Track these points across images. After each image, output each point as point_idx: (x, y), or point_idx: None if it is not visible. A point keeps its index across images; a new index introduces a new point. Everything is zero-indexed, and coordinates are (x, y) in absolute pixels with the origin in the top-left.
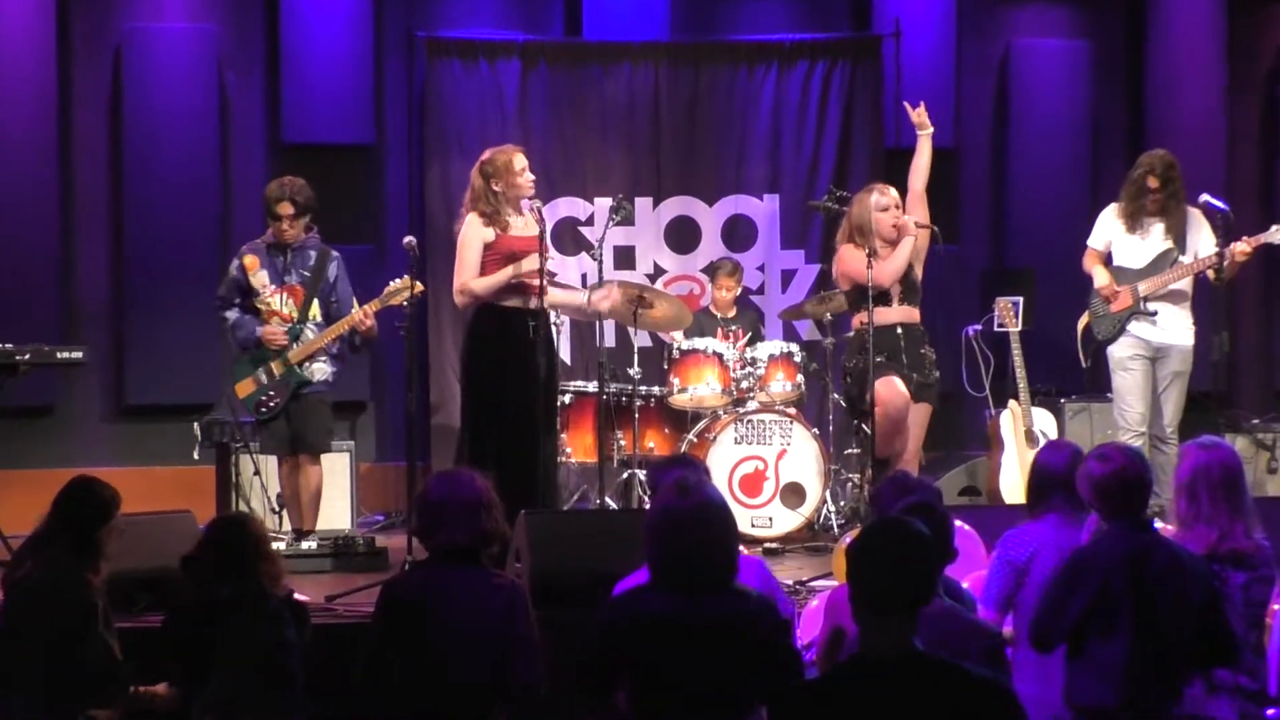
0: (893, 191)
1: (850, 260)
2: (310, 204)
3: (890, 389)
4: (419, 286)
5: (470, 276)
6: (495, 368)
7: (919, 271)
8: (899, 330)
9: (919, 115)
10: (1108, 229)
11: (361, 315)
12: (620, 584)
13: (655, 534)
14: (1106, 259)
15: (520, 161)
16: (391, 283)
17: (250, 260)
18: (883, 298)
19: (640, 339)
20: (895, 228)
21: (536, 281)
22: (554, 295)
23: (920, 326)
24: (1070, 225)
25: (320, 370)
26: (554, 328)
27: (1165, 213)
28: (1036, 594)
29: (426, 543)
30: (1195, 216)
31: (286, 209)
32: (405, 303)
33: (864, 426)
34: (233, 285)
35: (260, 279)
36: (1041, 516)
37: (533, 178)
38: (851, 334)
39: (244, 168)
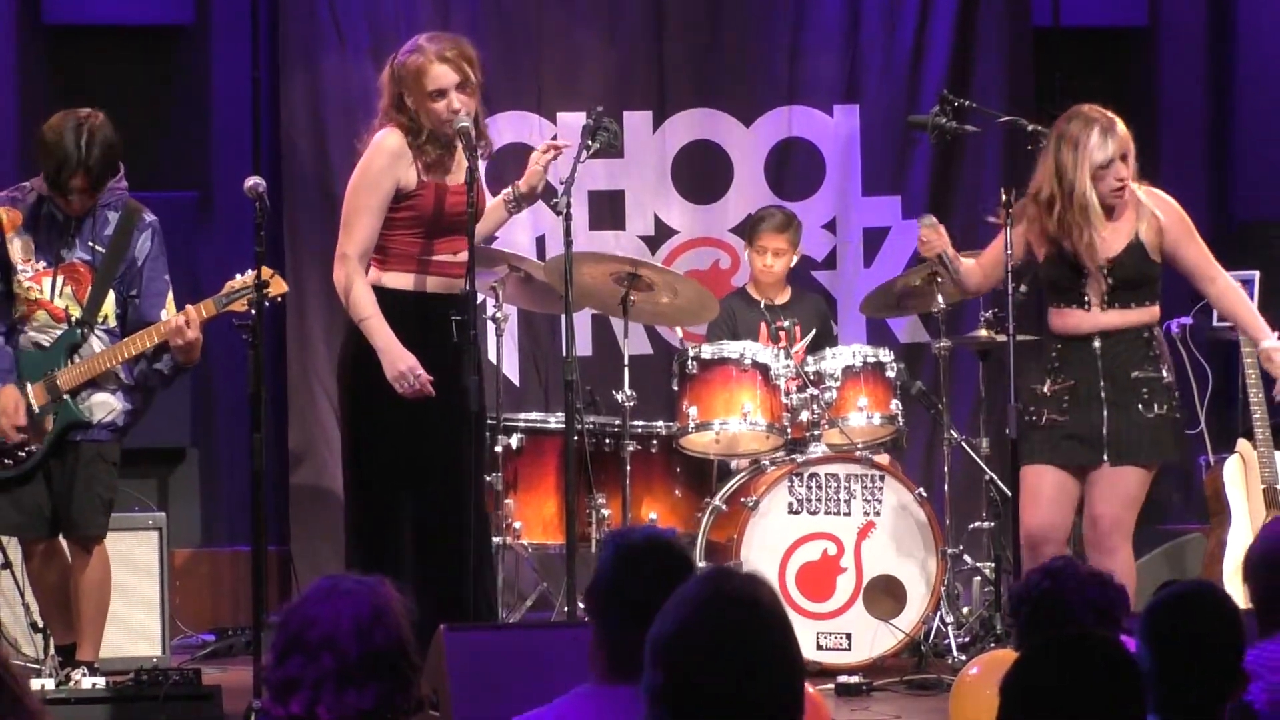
0: (1120, 128)
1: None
2: (114, 156)
3: (1038, 481)
4: (280, 284)
5: (359, 240)
6: (391, 393)
7: (1154, 249)
8: (1096, 345)
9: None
10: None
11: (180, 322)
12: None
13: (676, 660)
14: None
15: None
16: (236, 277)
17: (8, 216)
18: (1075, 295)
19: (634, 342)
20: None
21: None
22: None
23: (1146, 331)
24: None
25: (104, 405)
26: (490, 320)
27: None
28: None
29: (276, 706)
30: None
31: (79, 182)
32: (251, 308)
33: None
34: None
35: (21, 248)
36: (1274, 634)
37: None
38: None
39: None
